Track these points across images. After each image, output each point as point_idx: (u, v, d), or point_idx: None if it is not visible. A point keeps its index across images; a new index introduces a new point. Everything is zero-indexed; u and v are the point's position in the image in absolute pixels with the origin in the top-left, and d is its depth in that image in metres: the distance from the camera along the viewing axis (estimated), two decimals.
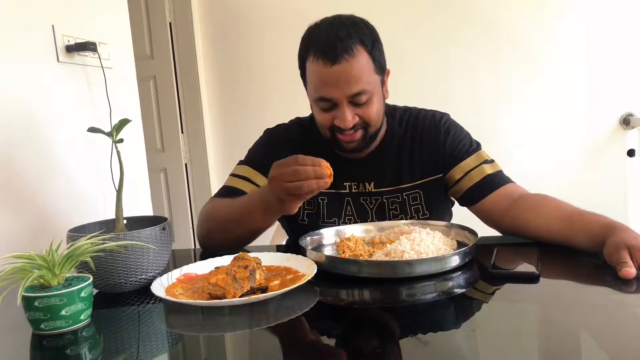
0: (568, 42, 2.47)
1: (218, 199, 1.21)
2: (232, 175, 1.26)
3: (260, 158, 1.24)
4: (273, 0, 2.65)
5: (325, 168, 0.92)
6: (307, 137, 1.25)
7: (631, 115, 2.47)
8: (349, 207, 1.22)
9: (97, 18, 1.60)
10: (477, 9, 2.50)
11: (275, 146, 1.24)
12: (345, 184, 1.21)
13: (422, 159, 1.20)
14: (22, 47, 1.31)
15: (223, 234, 1.13)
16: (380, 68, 1.11)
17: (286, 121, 1.33)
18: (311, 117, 1.30)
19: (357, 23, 1.09)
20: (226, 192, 1.22)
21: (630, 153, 2.50)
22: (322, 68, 1.04)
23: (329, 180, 0.93)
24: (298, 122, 1.31)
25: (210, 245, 1.16)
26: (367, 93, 1.07)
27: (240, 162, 1.28)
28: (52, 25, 1.40)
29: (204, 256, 1.02)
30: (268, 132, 1.31)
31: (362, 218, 1.21)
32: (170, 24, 2.78)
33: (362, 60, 1.05)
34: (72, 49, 1.45)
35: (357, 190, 1.21)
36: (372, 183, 1.21)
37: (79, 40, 1.47)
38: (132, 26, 1.79)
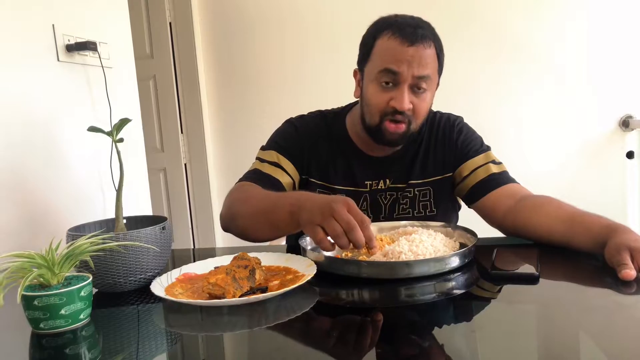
0: (567, 44, 2.47)
1: (249, 185, 1.16)
2: (261, 160, 1.23)
3: (288, 145, 1.24)
4: (273, 0, 2.66)
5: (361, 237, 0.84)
6: (331, 132, 1.26)
7: (630, 117, 2.47)
8: (365, 202, 1.23)
9: (97, 18, 1.60)
10: (476, 10, 2.51)
11: (304, 136, 1.24)
12: (366, 182, 1.23)
13: (435, 157, 1.23)
14: (22, 46, 1.31)
15: (247, 221, 1.08)
16: (439, 74, 1.15)
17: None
18: (335, 113, 1.30)
19: (432, 28, 1.15)
20: (257, 177, 1.19)
21: (630, 155, 2.50)
22: (399, 45, 1.08)
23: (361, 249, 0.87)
24: (321, 115, 1.30)
25: (233, 229, 1.12)
26: (428, 83, 1.11)
27: (265, 147, 1.26)
28: (53, 25, 1.40)
29: (205, 255, 1.02)
30: (295, 120, 1.29)
31: (375, 212, 1.23)
32: (170, 23, 2.78)
33: (433, 53, 1.11)
34: (72, 48, 1.45)
35: (376, 187, 1.23)
36: (391, 180, 1.23)
37: (79, 40, 1.47)
38: (132, 26, 1.79)
